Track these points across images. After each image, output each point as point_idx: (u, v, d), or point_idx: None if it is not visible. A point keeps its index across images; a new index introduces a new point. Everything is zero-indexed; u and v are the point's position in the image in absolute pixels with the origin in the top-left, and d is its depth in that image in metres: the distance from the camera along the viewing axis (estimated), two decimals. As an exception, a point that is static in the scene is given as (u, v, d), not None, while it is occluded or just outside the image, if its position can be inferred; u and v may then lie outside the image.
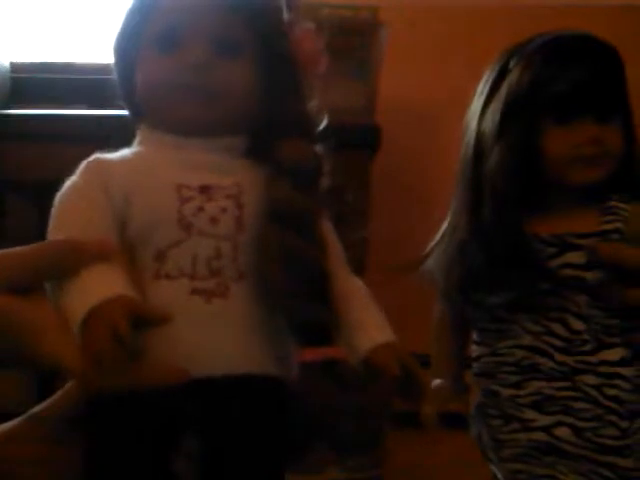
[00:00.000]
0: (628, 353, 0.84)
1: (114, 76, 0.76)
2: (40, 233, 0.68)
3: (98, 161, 0.73)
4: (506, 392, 0.88)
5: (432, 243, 0.96)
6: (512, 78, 0.90)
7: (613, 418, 0.83)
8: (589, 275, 0.84)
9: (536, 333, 0.87)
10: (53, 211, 0.70)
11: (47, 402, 0.66)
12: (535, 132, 0.87)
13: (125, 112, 0.79)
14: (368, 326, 0.69)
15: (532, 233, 0.87)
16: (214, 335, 0.66)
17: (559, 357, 0.85)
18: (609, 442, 0.83)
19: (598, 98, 0.86)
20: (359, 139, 1.42)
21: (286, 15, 0.75)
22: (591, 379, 0.84)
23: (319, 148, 0.73)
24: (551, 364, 0.86)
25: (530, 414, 0.86)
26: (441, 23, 1.76)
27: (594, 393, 0.84)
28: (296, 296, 0.66)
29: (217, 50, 0.72)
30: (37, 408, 0.65)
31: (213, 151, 0.73)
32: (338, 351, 0.68)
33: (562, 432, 0.85)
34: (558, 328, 0.86)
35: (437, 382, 0.97)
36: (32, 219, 1.46)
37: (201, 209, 0.69)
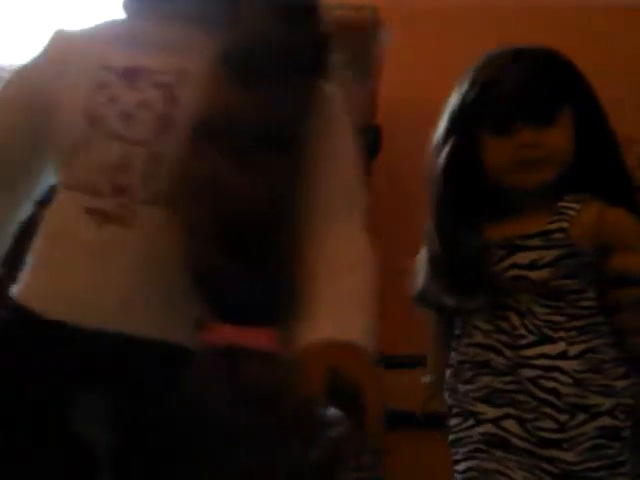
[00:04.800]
0: (574, 349, 0.86)
1: None
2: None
3: (61, 37, 0.63)
4: (463, 388, 0.92)
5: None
6: (455, 94, 0.95)
7: (549, 410, 0.85)
8: (533, 274, 0.87)
9: (487, 331, 0.90)
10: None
11: None
12: (472, 144, 0.91)
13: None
14: (323, 313, 0.49)
15: (487, 238, 0.91)
16: (101, 275, 0.49)
17: (507, 352, 0.88)
18: (547, 435, 0.85)
19: (529, 105, 0.88)
20: (359, 139, 1.41)
21: None
22: (528, 372, 0.86)
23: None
24: (500, 359, 0.89)
25: (481, 407, 0.89)
26: (441, 23, 1.76)
27: (529, 385, 0.86)
28: (219, 254, 0.45)
29: None
30: None
31: (182, 20, 0.53)
32: (256, 337, 0.48)
33: (509, 424, 0.87)
34: (504, 325, 0.89)
35: (426, 378, 1.02)
36: (32, 219, 1.46)
37: (113, 99, 0.50)
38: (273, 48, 0.46)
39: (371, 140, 1.43)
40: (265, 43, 0.46)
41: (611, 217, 0.86)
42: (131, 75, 0.48)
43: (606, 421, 0.85)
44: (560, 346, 0.86)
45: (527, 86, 0.88)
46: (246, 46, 0.46)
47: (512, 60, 0.91)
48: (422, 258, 0.96)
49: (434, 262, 0.93)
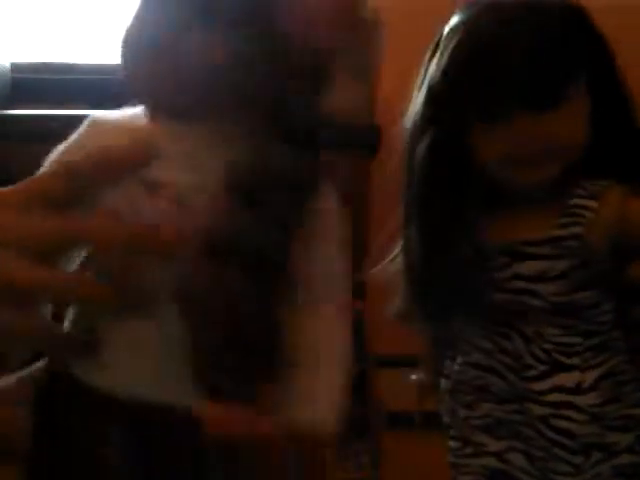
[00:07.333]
0: (590, 376, 0.74)
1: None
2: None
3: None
4: (462, 412, 0.80)
5: None
6: (433, 65, 0.77)
7: (562, 453, 0.74)
8: (541, 288, 0.73)
9: (487, 350, 0.77)
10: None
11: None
12: (461, 129, 0.73)
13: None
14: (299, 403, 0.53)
15: (482, 240, 0.74)
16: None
17: (511, 377, 0.76)
18: (561, 479, 0.74)
19: (530, 89, 0.68)
20: (359, 139, 1.41)
21: None
22: (537, 409, 0.74)
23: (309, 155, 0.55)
24: (502, 384, 0.77)
25: (482, 438, 0.78)
26: (441, 23, 1.76)
27: (539, 424, 0.74)
28: (225, 368, 0.49)
29: None
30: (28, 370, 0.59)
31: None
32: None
33: (514, 457, 0.76)
34: (507, 345, 0.76)
35: (416, 376, 0.90)
36: (32, 219, 1.46)
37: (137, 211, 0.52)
38: (276, 173, 0.48)
39: (370, 139, 1.43)
40: (268, 168, 0.48)
41: (636, 210, 0.70)
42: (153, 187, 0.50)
43: (624, 459, 0.75)
44: (574, 376, 0.74)
45: (531, 66, 0.68)
46: (249, 169, 0.48)
47: (513, 19, 0.70)
48: (396, 272, 0.82)
49: (414, 276, 0.77)
